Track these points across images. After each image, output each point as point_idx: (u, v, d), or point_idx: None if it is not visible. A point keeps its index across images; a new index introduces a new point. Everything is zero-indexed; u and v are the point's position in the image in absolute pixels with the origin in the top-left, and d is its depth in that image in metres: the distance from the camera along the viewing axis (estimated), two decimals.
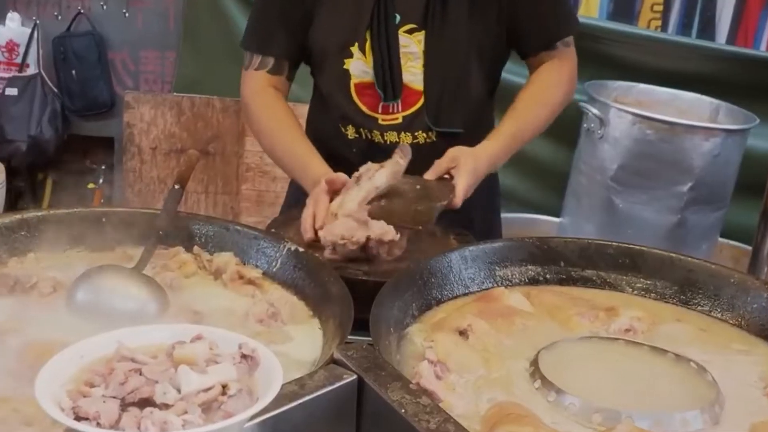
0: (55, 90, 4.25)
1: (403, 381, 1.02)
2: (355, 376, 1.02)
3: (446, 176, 1.76)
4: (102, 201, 4.39)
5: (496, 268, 1.50)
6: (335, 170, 1.77)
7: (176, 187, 1.57)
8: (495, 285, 1.47)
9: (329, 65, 1.95)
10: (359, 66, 1.92)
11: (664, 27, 4.10)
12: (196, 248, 1.53)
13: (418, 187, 1.72)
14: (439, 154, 1.83)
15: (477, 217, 2.03)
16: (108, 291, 1.33)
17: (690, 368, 1.21)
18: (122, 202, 4.25)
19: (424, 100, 1.92)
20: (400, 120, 1.94)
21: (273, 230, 1.67)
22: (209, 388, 0.87)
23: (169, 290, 1.39)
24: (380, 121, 1.94)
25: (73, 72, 4.20)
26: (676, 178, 2.88)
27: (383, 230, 1.55)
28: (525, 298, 1.43)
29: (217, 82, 4.17)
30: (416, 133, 1.95)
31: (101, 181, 4.47)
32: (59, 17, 4.21)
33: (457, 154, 1.78)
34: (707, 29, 4.08)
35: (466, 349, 1.24)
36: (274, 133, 1.97)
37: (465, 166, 1.75)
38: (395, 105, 1.93)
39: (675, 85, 3.31)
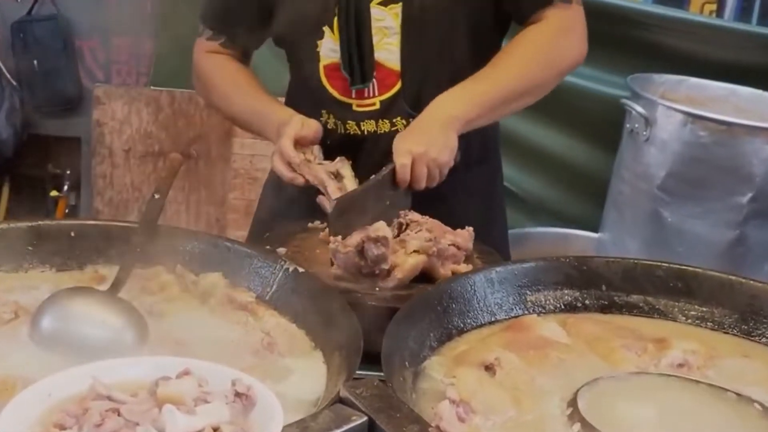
0: (14, 82, 4.26)
1: (420, 424, 1.02)
2: (365, 418, 1.02)
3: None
4: (66, 211, 4.40)
5: (527, 292, 1.50)
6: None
7: (156, 196, 1.57)
8: (526, 312, 1.48)
9: (302, 48, 2.00)
10: (328, 45, 1.95)
11: (719, 12, 4.11)
12: (179, 268, 1.53)
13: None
14: None
15: (471, 208, 2.03)
16: (78, 318, 1.33)
17: (754, 410, 1.21)
18: (90, 213, 4.26)
19: (402, 82, 1.94)
20: (377, 106, 1.96)
21: (268, 247, 1.67)
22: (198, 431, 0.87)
23: (149, 317, 1.39)
24: (355, 108, 1.97)
25: (35, 62, 4.21)
26: (734, 187, 2.87)
27: (376, 227, 1.58)
28: (561, 327, 1.43)
29: None
30: (394, 120, 1.97)
31: (66, 188, 4.48)
32: None
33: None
34: None
35: (493, 386, 1.24)
36: (230, 88, 2.07)
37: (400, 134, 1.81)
38: (371, 88, 1.95)
39: (732, 79, 3.31)
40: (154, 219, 1.55)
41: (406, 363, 1.25)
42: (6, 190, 4.52)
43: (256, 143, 4.14)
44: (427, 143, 1.75)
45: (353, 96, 1.96)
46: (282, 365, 1.31)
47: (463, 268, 1.65)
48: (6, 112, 4.19)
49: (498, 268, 1.51)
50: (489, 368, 1.28)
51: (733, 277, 1.50)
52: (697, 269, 1.52)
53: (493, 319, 1.45)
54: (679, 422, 1.21)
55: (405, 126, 1.94)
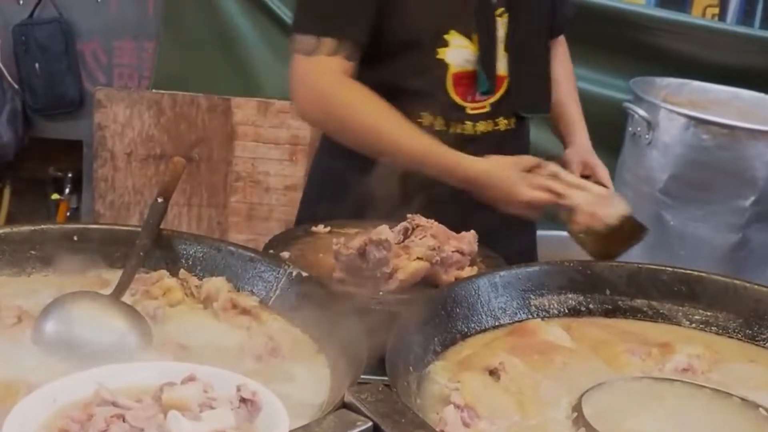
0: (15, 86, 4.26)
1: (425, 429, 1.02)
2: (370, 423, 1.02)
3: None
4: (68, 214, 4.39)
5: (531, 296, 1.50)
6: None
7: (159, 200, 1.57)
8: (530, 316, 1.48)
9: (416, 54, 2.01)
10: (461, 54, 2.01)
11: (722, 16, 4.11)
12: (182, 272, 1.53)
13: None
14: (517, 140, 2.14)
15: (514, 235, 2.10)
16: (81, 322, 1.33)
17: (759, 415, 1.21)
18: (91, 216, 4.25)
19: (509, 85, 2.07)
20: (487, 108, 2.07)
21: (272, 251, 1.67)
22: None
23: (152, 321, 1.38)
24: (468, 110, 2.06)
25: (36, 65, 4.21)
26: (736, 190, 2.87)
27: (378, 230, 1.59)
28: (565, 331, 1.43)
29: (202, 77, 4.18)
30: (497, 120, 2.09)
31: (67, 191, 4.47)
32: (20, 2, 4.23)
33: (578, 158, 2.12)
34: None
35: (498, 391, 1.24)
36: (386, 127, 1.94)
37: (596, 161, 2.12)
38: None
39: (735, 82, 3.31)
40: (157, 223, 1.55)
41: (411, 368, 1.25)
42: (7, 193, 4.51)
43: (258, 147, 4.15)
44: None
45: (468, 100, 2.05)
46: (286, 370, 1.30)
47: (467, 272, 1.64)
48: (7, 115, 4.19)
49: (502, 273, 1.51)
50: (493, 373, 1.28)
51: (738, 282, 1.50)
52: (701, 273, 1.52)
53: (497, 324, 1.45)
54: (684, 427, 1.21)
55: (507, 126, 2.10)
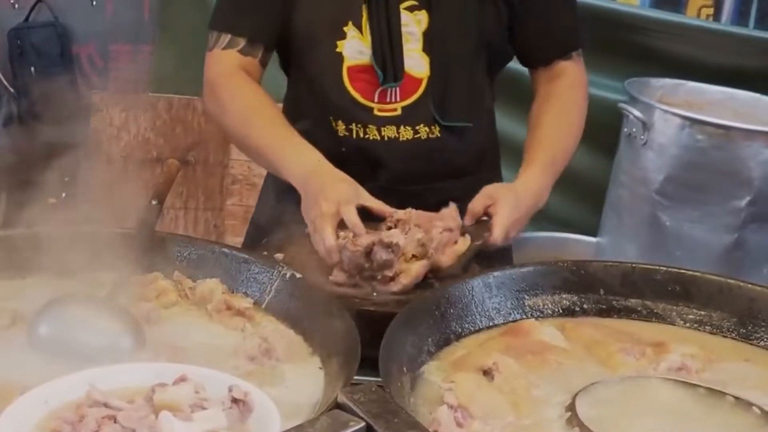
0: (11, 89, 4.26)
1: (419, 429, 1.02)
2: (363, 424, 1.02)
3: (484, 218, 1.77)
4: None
5: (525, 296, 1.50)
6: None
7: (154, 203, 1.57)
8: (524, 317, 1.48)
9: (318, 49, 1.96)
10: (355, 46, 1.93)
11: (716, 16, 4.11)
12: (176, 274, 1.53)
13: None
14: (444, 152, 1.96)
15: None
16: (75, 324, 1.33)
17: (753, 414, 1.21)
18: (88, 220, 4.25)
19: (427, 87, 1.94)
20: (398, 111, 1.95)
21: (265, 253, 1.67)
22: None
23: (146, 323, 1.39)
24: (376, 112, 1.95)
25: (32, 69, 4.22)
26: (732, 191, 2.87)
27: (389, 233, 1.59)
28: (559, 331, 1.43)
29: (198, 80, 4.10)
30: (417, 127, 1.96)
31: (63, 195, 4.46)
32: (16, 6, 4.23)
33: (491, 191, 1.80)
34: (767, 18, 4.09)
35: (492, 391, 1.24)
36: (249, 118, 1.94)
37: (505, 200, 1.75)
38: (393, 93, 1.94)
39: (730, 83, 3.31)
40: (151, 225, 1.55)
41: (404, 368, 1.25)
42: (3, 197, 4.50)
43: None
44: (520, 227, 1.81)
45: (375, 99, 1.95)
46: (279, 371, 1.30)
47: (462, 244, 1.66)
48: (3, 119, 4.19)
49: (496, 273, 1.51)
50: (487, 373, 1.28)
51: (732, 281, 1.51)
52: (695, 273, 1.52)
53: (491, 324, 1.45)
54: (678, 426, 1.21)
55: (428, 134, 1.96)
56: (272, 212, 1.99)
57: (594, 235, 3.44)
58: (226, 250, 1.57)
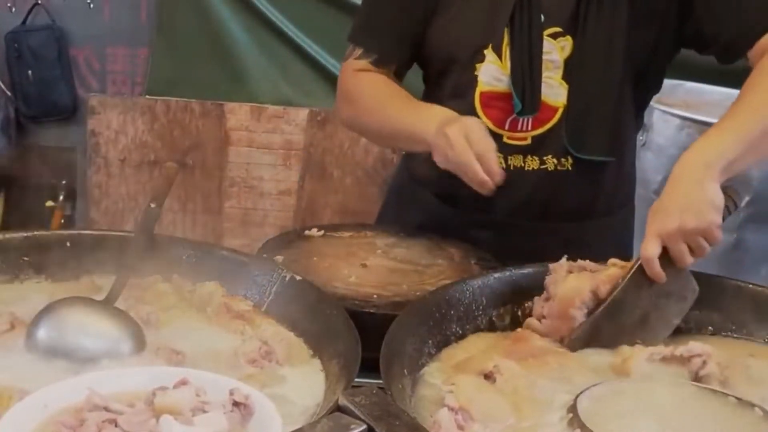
0: (8, 93, 4.25)
1: (420, 431, 1.02)
2: (364, 426, 1.02)
3: None
4: (62, 222, 4.38)
5: (525, 298, 1.50)
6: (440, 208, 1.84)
7: (152, 205, 1.57)
8: (524, 318, 1.48)
9: (456, 71, 1.88)
10: (491, 71, 1.84)
11: None
12: (175, 277, 1.53)
13: None
14: (574, 188, 1.85)
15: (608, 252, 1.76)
16: (74, 328, 1.32)
17: (755, 415, 1.21)
18: (86, 223, 4.25)
19: (563, 116, 1.83)
20: (528, 141, 1.85)
21: (265, 255, 1.67)
22: None
23: (145, 326, 1.38)
24: (505, 140, 1.84)
25: (29, 72, 4.21)
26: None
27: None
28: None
29: (196, 83, 4.18)
30: (545, 158, 1.85)
31: (61, 198, 4.46)
32: (13, 9, 4.22)
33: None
34: None
35: (493, 393, 1.24)
36: (382, 102, 1.90)
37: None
38: (525, 122, 1.84)
39: (728, 83, 3.31)
40: (150, 228, 1.54)
41: (405, 370, 1.25)
42: (1, 200, 4.50)
43: (251, 152, 4.14)
44: (680, 212, 1.47)
45: (506, 127, 1.84)
46: (280, 374, 1.30)
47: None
48: (1, 123, 4.19)
49: (496, 275, 1.51)
50: (488, 377, 1.28)
51: (732, 281, 1.51)
52: (697, 273, 1.51)
53: (491, 326, 1.45)
54: (679, 427, 1.20)
55: (556, 165, 1.85)
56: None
57: None
58: (225, 252, 1.57)
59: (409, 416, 1.05)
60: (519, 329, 1.46)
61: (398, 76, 1.97)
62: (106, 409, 0.89)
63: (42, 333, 1.31)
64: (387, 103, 1.89)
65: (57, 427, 0.88)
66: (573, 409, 1.19)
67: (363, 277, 1.63)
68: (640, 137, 2.95)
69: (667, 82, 3.26)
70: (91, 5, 4.25)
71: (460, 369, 1.30)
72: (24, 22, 4.22)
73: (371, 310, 1.49)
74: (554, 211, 1.89)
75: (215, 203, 4.25)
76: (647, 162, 2.99)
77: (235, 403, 0.91)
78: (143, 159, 4.23)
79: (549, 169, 1.85)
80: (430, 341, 1.35)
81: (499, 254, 1.77)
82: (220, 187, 4.23)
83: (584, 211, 1.91)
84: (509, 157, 1.84)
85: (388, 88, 1.91)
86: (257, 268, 1.51)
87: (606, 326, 1.42)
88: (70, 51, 4.29)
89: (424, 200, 1.97)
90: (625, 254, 1.83)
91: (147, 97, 4.26)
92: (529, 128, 1.84)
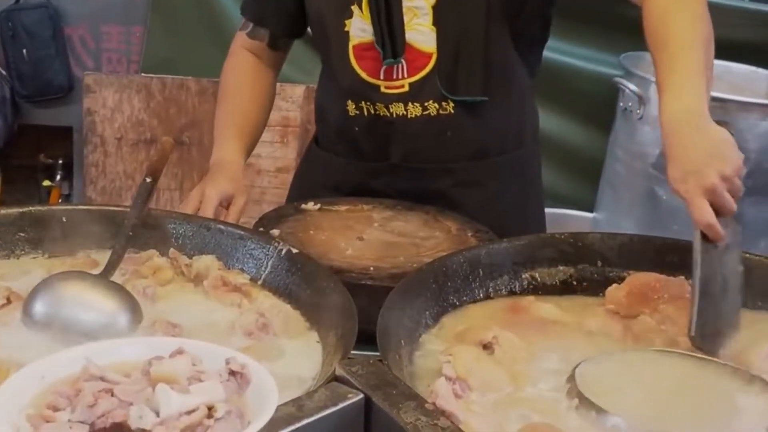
0: (3, 72, 4.24)
1: (417, 400, 1.02)
2: (361, 395, 1.02)
3: None
4: (60, 201, 4.38)
5: (522, 269, 1.50)
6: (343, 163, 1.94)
7: (147, 180, 1.57)
8: (521, 288, 1.48)
9: (329, 31, 1.96)
10: (358, 24, 1.91)
11: None
12: (172, 251, 1.53)
13: None
14: (459, 130, 1.90)
15: (507, 190, 2.02)
16: (71, 302, 1.33)
17: (753, 384, 1.21)
18: (83, 202, 4.24)
19: (436, 62, 1.88)
20: (406, 88, 1.91)
21: (261, 229, 1.66)
22: (193, 410, 0.87)
23: (142, 300, 1.39)
24: (383, 90, 1.92)
25: (24, 51, 4.19)
26: None
27: None
28: (558, 307, 1.43)
29: (192, 60, 4.16)
30: (426, 103, 1.91)
31: (58, 177, 4.46)
32: None
33: None
34: None
35: (491, 363, 1.24)
36: (221, 98, 2.08)
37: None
38: (400, 69, 1.91)
39: (726, 56, 3.30)
40: (145, 203, 1.54)
41: (402, 341, 1.25)
42: None
43: None
44: (709, 164, 1.42)
45: (381, 77, 1.91)
46: (277, 346, 1.30)
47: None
48: None
49: (493, 246, 1.51)
50: (487, 347, 1.28)
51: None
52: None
53: (489, 297, 1.45)
54: (678, 396, 1.21)
55: (438, 110, 1.91)
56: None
57: (591, 210, 3.45)
58: (221, 226, 1.57)
59: (405, 385, 1.05)
60: (517, 298, 1.46)
61: (272, 48, 2.09)
62: (103, 379, 0.89)
63: (38, 307, 1.32)
64: (221, 103, 2.08)
65: (54, 397, 0.88)
66: (571, 378, 1.19)
67: (360, 250, 1.63)
68: (638, 111, 2.95)
69: None
70: None
71: (458, 339, 1.30)
72: (18, 0, 4.20)
73: (368, 282, 1.49)
74: (445, 154, 1.96)
75: None
76: (644, 135, 2.98)
77: (232, 372, 0.91)
78: (140, 137, 4.22)
79: (432, 114, 1.92)
80: (427, 312, 1.35)
81: (399, 195, 1.92)
82: None
83: (474, 150, 1.97)
84: (390, 106, 1.92)
85: (235, 85, 2.08)
86: (254, 241, 1.51)
87: (709, 309, 1.34)
88: (65, 29, 4.27)
89: (329, 161, 2.08)
90: (526, 196, 2.06)
91: (143, 75, 4.24)
92: (405, 76, 1.91)
